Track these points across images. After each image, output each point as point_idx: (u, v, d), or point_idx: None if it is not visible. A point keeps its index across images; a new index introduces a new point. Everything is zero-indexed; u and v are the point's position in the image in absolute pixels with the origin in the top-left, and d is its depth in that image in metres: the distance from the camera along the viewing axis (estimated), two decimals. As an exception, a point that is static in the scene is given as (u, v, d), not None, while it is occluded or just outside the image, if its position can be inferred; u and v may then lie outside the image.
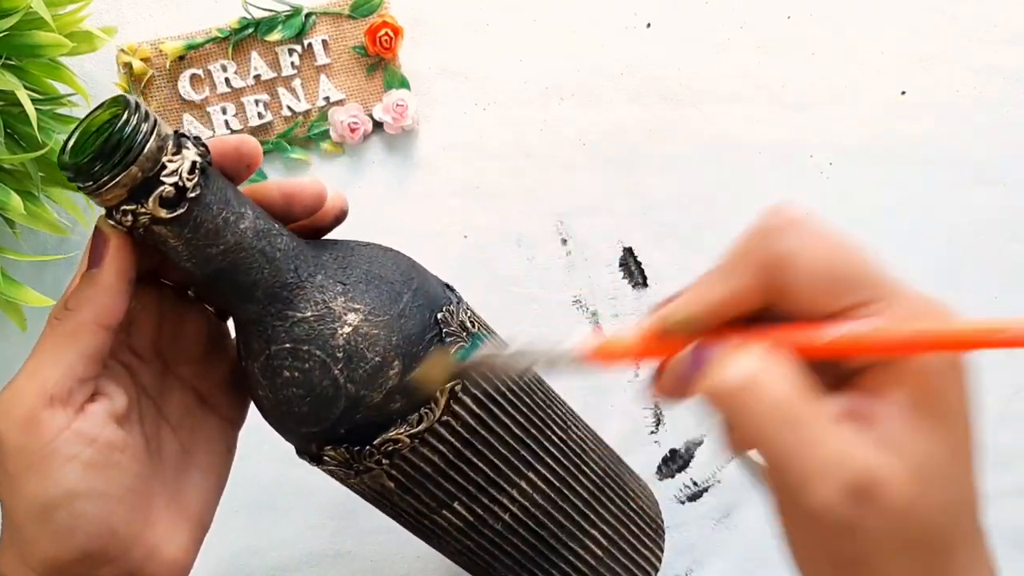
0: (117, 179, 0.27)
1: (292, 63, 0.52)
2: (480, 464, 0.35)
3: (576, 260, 0.55)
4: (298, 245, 0.32)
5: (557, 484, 0.38)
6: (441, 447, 0.33)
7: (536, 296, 0.54)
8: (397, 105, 0.52)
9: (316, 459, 0.34)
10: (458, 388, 0.33)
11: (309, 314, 0.31)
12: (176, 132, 0.29)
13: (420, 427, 0.32)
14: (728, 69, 0.54)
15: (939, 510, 0.23)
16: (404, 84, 0.53)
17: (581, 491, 0.40)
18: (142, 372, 0.32)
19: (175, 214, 0.28)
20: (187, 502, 0.33)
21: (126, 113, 0.28)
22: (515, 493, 0.36)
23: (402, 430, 0.32)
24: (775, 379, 0.23)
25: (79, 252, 0.52)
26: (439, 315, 0.33)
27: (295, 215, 0.32)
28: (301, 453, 0.35)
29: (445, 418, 0.33)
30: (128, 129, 0.28)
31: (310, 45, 0.52)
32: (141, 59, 0.50)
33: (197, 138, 0.30)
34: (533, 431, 0.37)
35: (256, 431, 0.36)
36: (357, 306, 0.31)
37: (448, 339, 0.33)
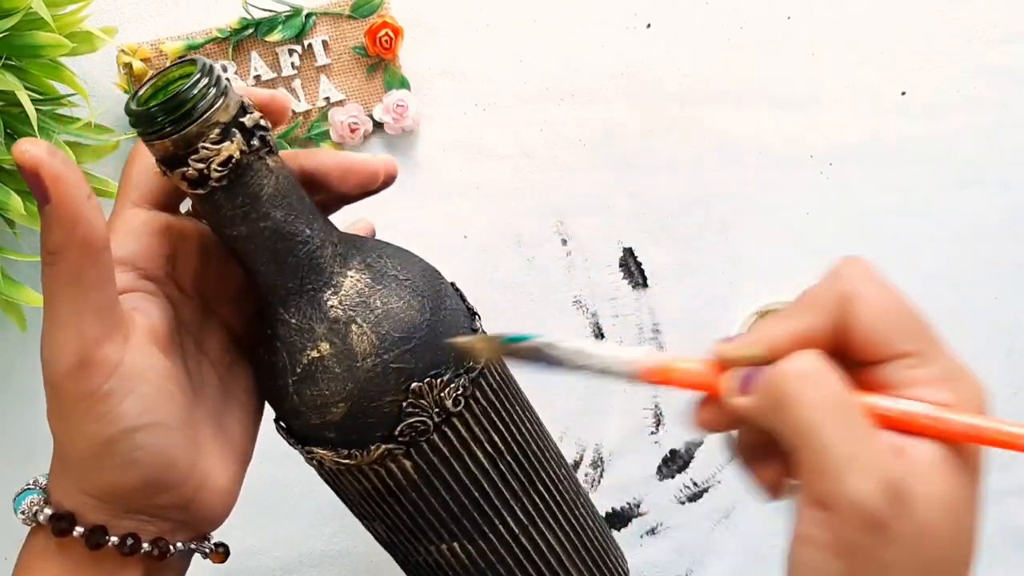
0: (152, 141, 0.28)
1: (292, 63, 0.52)
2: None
3: (576, 260, 0.55)
4: (319, 260, 0.32)
5: (538, 523, 0.38)
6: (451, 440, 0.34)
7: (536, 296, 0.54)
8: (397, 105, 0.52)
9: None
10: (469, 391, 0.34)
11: (293, 322, 0.32)
12: (236, 119, 0.29)
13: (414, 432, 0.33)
14: (728, 69, 0.54)
15: (958, 546, 0.25)
16: (404, 84, 0.53)
17: (558, 532, 0.39)
18: (184, 307, 0.33)
19: (195, 192, 0.29)
20: (231, 434, 0.33)
21: (198, 76, 0.28)
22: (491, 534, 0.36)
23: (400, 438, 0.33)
24: (831, 374, 0.25)
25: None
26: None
27: (348, 190, 0.33)
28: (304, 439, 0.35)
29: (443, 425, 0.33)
30: (193, 92, 0.28)
31: (310, 45, 0.52)
32: (141, 59, 0.50)
33: (263, 129, 0.30)
34: (525, 465, 0.37)
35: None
36: (349, 341, 0.32)
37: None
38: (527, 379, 0.55)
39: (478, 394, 0.34)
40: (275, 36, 0.51)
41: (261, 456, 0.53)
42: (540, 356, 0.30)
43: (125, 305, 0.30)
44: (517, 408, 0.37)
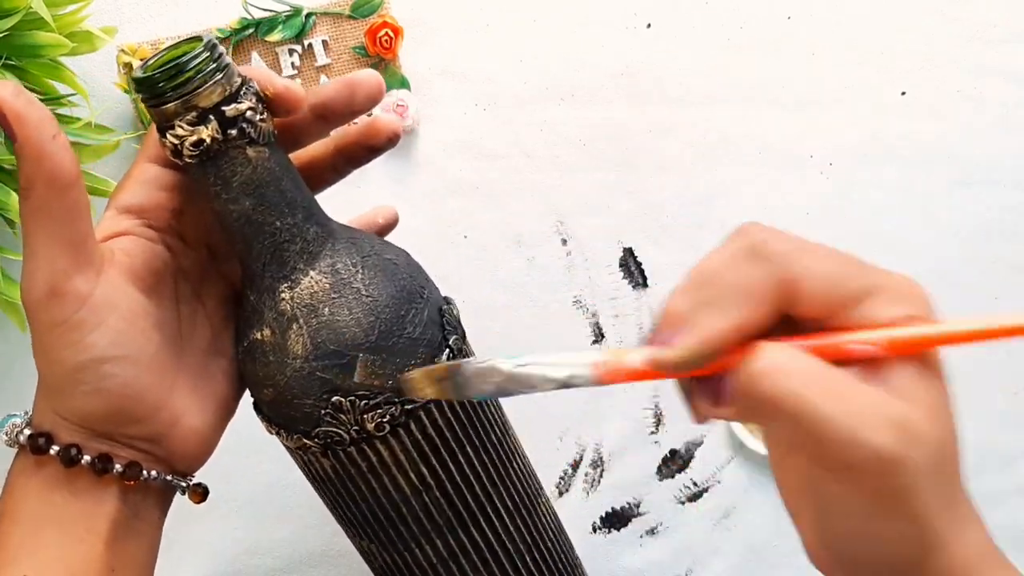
0: (152, 105, 0.30)
1: (292, 63, 0.52)
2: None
3: (576, 260, 0.55)
4: (284, 253, 0.32)
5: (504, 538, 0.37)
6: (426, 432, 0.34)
7: (536, 296, 0.54)
8: (397, 105, 0.52)
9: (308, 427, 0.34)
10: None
11: (252, 299, 0.33)
12: (217, 106, 0.30)
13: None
14: (728, 69, 0.54)
15: (950, 443, 0.26)
16: (404, 84, 0.53)
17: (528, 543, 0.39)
18: (186, 256, 0.34)
19: (174, 160, 0.31)
20: (215, 383, 0.35)
21: (200, 51, 0.29)
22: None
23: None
24: (800, 357, 0.26)
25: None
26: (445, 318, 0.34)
27: (359, 104, 0.33)
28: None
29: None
30: (192, 64, 0.29)
31: (310, 45, 0.52)
32: (141, 59, 0.50)
33: (247, 121, 0.30)
34: (493, 475, 0.36)
35: (256, 433, 0.36)
36: (307, 339, 0.32)
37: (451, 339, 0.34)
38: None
39: (412, 426, 0.33)
40: (275, 36, 0.51)
41: (261, 456, 0.53)
42: (491, 388, 0.28)
43: (114, 246, 0.32)
44: (467, 448, 0.35)
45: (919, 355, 0.27)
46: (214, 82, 0.29)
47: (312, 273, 0.32)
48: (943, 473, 0.26)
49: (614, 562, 0.56)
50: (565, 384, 0.27)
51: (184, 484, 0.34)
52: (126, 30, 0.51)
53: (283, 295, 0.32)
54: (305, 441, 0.33)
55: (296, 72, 0.52)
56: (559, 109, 0.54)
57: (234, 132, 0.30)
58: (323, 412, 0.32)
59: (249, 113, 0.30)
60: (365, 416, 0.32)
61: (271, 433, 0.35)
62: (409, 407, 0.33)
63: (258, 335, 0.33)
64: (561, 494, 0.55)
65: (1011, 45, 0.54)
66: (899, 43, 0.54)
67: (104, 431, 0.31)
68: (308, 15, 0.51)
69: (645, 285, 0.55)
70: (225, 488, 0.53)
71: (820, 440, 0.25)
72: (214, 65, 0.29)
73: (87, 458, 0.31)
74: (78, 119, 0.47)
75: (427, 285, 0.35)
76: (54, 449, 0.31)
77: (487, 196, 0.54)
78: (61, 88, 0.46)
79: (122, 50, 0.50)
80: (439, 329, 0.34)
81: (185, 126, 0.29)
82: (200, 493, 0.35)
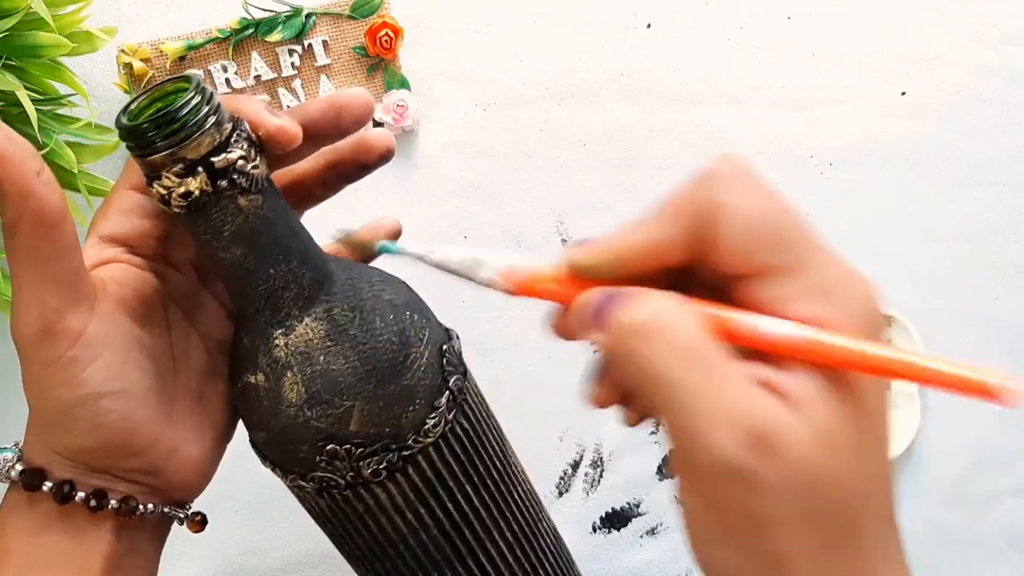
0: (138, 155, 0.28)
1: (292, 63, 0.52)
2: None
3: (576, 260, 0.55)
4: (278, 300, 0.31)
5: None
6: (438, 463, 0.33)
7: (536, 296, 0.54)
8: (397, 105, 0.52)
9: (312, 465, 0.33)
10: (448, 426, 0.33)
11: (245, 341, 0.32)
12: (206, 158, 0.28)
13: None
14: (728, 69, 0.54)
15: (845, 484, 0.22)
16: (404, 84, 0.53)
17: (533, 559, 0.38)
18: (176, 282, 0.33)
19: (163, 208, 0.29)
20: (211, 408, 0.34)
21: (191, 96, 0.28)
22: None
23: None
24: (682, 320, 0.23)
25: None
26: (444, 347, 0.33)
27: (345, 126, 0.32)
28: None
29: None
30: (182, 113, 0.27)
31: (310, 46, 0.52)
32: (141, 59, 0.50)
33: (237, 172, 0.29)
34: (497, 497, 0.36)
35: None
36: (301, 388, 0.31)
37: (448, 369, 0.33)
38: (521, 392, 0.54)
39: (411, 470, 0.32)
40: (275, 36, 0.51)
41: (261, 456, 0.52)
42: (411, 257, 0.29)
43: (103, 274, 0.30)
44: (466, 488, 0.34)
45: (833, 370, 0.22)
46: (202, 132, 0.28)
47: (307, 320, 0.31)
48: (824, 515, 0.22)
49: (614, 562, 0.56)
50: (472, 280, 0.27)
51: (182, 515, 0.33)
52: (126, 30, 0.51)
53: (277, 341, 0.31)
54: (300, 482, 0.33)
55: (296, 72, 0.52)
56: (559, 109, 0.54)
57: (224, 183, 0.28)
58: (318, 459, 0.32)
59: (240, 163, 0.29)
60: (361, 463, 0.32)
61: (266, 467, 0.34)
62: (406, 453, 0.32)
63: (251, 379, 0.32)
64: (561, 494, 0.55)
65: (1011, 45, 0.54)
66: (899, 43, 0.54)
67: (100, 466, 0.30)
68: (308, 15, 0.51)
69: (645, 285, 0.55)
70: (225, 489, 0.53)
71: (672, 428, 0.22)
72: (206, 109, 0.28)
73: (81, 494, 0.30)
74: (78, 119, 0.47)
75: (428, 324, 0.33)
76: (47, 485, 0.30)
77: (487, 196, 0.54)
78: (61, 88, 0.46)
79: (122, 50, 0.50)
80: (439, 372, 0.33)
81: (173, 177, 0.28)
82: (199, 522, 0.34)
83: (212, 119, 0.28)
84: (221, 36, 0.51)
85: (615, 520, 0.56)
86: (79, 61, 0.49)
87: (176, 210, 0.29)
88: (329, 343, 0.31)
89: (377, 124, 0.53)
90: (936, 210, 0.55)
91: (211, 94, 0.28)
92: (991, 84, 0.55)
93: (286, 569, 0.54)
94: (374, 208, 0.53)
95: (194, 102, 0.28)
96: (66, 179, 0.46)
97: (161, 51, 0.51)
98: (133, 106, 0.29)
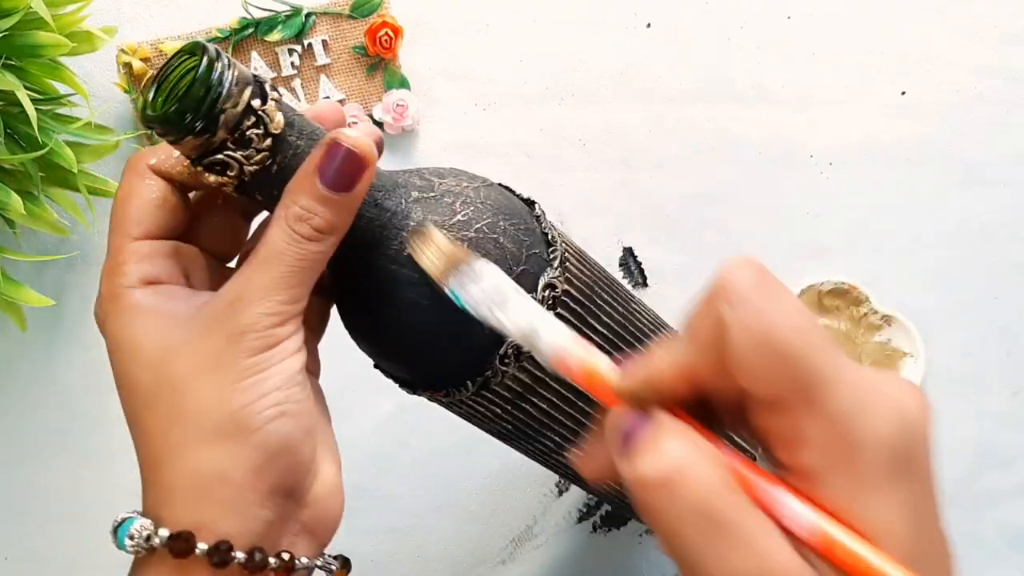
0: (201, 135, 0.27)
1: (292, 63, 0.52)
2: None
3: (576, 260, 0.55)
4: (398, 214, 0.30)
5: None
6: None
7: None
8: (397, 105, 0.52)
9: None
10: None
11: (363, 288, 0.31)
12: (250, 103, 0.27)
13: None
14: (728, 69, 0.54)
15: None
16: (404, 84, 0.53)
17: None
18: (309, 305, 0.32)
19: (227, 192, 0.28)
20: (327, 415, 0.32)
21: (208, 62, 0.26)
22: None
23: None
24: (702, 475, 0.22)
25: (79, 252, 0.52)
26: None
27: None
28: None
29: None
30: (212, 78, 0.26)
31: (310, 45, 0.52)
32: (141, 59, 0.50)
33: (281, 98, 0.28)
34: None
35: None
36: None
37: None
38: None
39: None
40: (275, 36, 0.51)
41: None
42: (475, 297, 0.28)
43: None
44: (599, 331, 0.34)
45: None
46: (238, 85, 0.26)
47: (428, 217, 0.30)
48: None
49: (614, 562, 0.56)
50: (520, 339, 0.26)
51: (333, 566, 0.31)
52: (126, 30, 0.51)
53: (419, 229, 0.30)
54: (479, 377, 0.32)
55: (296, 72, 0.52)
56: (559, 109, 0.54)
57: (282, 123, 0.28)
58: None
59: (276, 94, 0.28)
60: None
61: (421, 395, 0.33)
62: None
63: (410, 296, 0.30)
64: (561, 493, 0.55)
65: (1011, 45, 0.54)
66: (899, 43, 0.54)
67: (256, 499, 0.27)
68: (308, 15, 0.51)
69: (645, 284, 0.55)
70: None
71: None
72: (224, 62, 0.26)
73: (240, 555, 0.26)
74: (78, 119, 0.47)
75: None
76: (200, 547, 0.26)
77: (487, 196, 0.54)
78: (61, 88, 0.46)
79: (122, 50, 0.50)
80: (546, 247, 0.33)
81: (236, 143, 0.27)
82: (348, 565, 0.32)
83: (231, 72, 0.27)
84: (221, 36, 0.51)
85: (615, 520, 0.56)
86: (79, 61, 0.49)
87: (253, 167, 0.27)
88: (459, 213, 0.31)
89: (377, 124, 0.53)
90: (936, 210, 0.55)
91: (216, 51, 0.27)
92: (991, 84, 0.55)
93: (286, 569, 0.54)
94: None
95: (217, 66, 0.26)
96: (66, 179, 0.46)
97: (161, 51, 0.51)
98: (157, 96, 0.27)
